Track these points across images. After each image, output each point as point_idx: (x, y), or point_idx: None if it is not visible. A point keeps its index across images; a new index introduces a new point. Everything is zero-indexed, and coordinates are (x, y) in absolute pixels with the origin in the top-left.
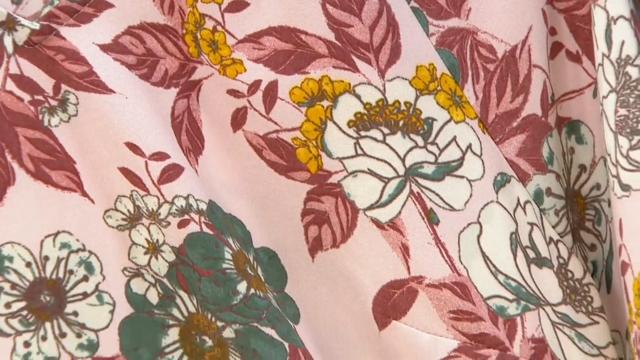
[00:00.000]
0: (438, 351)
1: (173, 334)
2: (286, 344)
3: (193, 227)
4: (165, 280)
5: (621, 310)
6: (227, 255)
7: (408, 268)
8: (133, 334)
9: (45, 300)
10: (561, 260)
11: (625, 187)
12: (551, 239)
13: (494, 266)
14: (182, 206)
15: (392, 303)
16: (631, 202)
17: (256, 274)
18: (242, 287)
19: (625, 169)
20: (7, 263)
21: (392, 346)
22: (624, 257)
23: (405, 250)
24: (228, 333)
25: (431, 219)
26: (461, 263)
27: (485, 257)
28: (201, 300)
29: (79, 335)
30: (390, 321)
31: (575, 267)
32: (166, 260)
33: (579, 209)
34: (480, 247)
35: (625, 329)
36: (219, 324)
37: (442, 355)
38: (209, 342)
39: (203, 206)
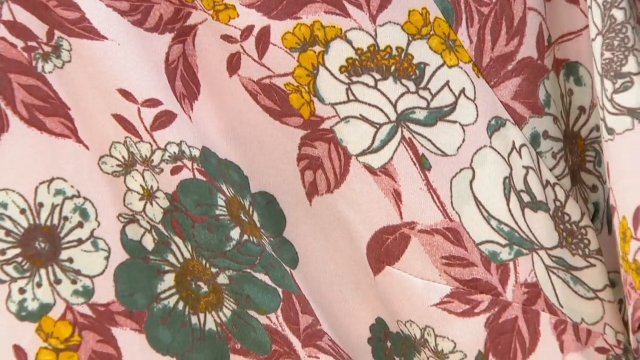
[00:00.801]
0: (431, 297)
1: (169, 279)
2: (280, 290)
3: (186, 174)
4: (160, 226)
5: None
6: (220, 202)
7: (400, 214)
8: (128, 279)
9: (40, 247)
10: (558, 204)
11: (610, 131)
12: (548, 182)
13: (487, 211)
14: (174, 153)
15: (385, 249)
16: (615, 146)
17: (251, 219)
18: (235, 233)
19: (610, 113)
20: (1, 210)
21: (386, 291)
22: (612, 200)
23: (397, 196)
24: (222, 279)
25: (423, 164)
26: (453, 209)
27: (477, 202)
28: (195, 246)
29: (74, 282)
30: (383, 267)
31: (573, 210)
32: (161, 207)
33: (579, 151)
34: (473, 193)
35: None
36: (213, 270)
37: (435, 301)
38: (205, 288)
39: (196, 153)
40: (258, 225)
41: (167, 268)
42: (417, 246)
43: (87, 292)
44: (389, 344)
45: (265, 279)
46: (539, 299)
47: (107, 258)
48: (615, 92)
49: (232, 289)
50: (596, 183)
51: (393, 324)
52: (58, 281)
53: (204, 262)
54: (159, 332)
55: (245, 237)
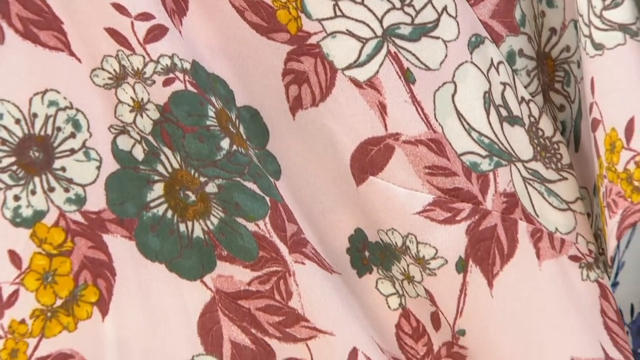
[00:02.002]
0: (414, 205)
1: (158, 189)
2: (267, 198)
3: (178, 86)
4: (150, 138)
5: (589, 168)
6: (211, 113)
7: (385, 125)
8: (119, 188)
9: (34, 155)
10: (532, 119)
11: (599, 46)
12: (523, 98)
13: (468, 124)
14: (167, 65)
15: (369, 159)
16: (604, 61)
17: (238, 131)
18: (225, 143)
19: (598, 29)
20: None
21: (369, 201)
22: (595, 114)
23: (382, 108)
24: (211, 188)
25: (408, 78)
26: (436, 120)
27: (459, 114)
28: (184, 156)
29: (67, 190)
30: (367, 177)
31: (546, 125)
32: (151, 118)
33: (549, 71)
34: (455, 106)
35: (592, 185)
36: (202, 179)
37: (418, 209)
38: (193, 197)
39: (187, 65)
40: (245, 137)
41: (156, 178)
42: (401, 156)
43: (80, 200)
44: (367, 253)
45: (254, 187)
46: (516, 208)
47: (98, 168)
48: (605, 8)
49: (221, 197)
50: (564, 103)
51: (373, 234)
52: (51, 189)
53: (192, 171)
54: (148, 239)
55: (235, 147)
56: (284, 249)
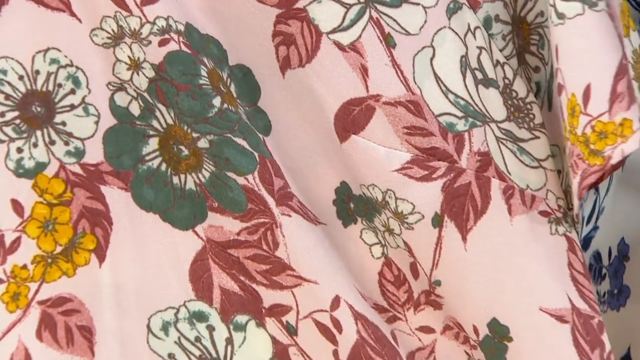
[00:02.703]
0: (392, 163)
1: (153, 143)
2: (256, 154)
3: (173, 46)
4: (145, 95)
5: (559, 127)
6: (203, 73)
7: (366, 87)
8: (116, 142)
9: (36, 110)
10: (506, 81)
11: (561, 16)
12: (498, 61)
13: (445, 86)
14: (162, 26)
15: (351, 119)
16: (565, 29)
17: (228, 90)
18: (216, 101)
19: None
20: (1, 76)
21: (351, 158)
22: (559, 79)
23: (364, 71)
24: (202, 143)
25: (389, 42)
26: (415, 83)
27: (437, 77)
28: (178, 113)
29: (66, 143)
30: (349, 135)
31: (519, 87)
32: (146, 76)
33: (524, 34)
34: (433, 69)
35: (562, 143)
36: (194, 135)
37: (396, 167)
38: (185, 151)
39: (181, 27)
40: (235, 95)
41: (151, 132)
42: (381, 117)
43: (79, 153)
44: (351, 205)
45: (244, 143)
46: (490, 166)
47: (96, 122)
48: None
49: (212, 152)
50: (539, 64)
51: (356, 187)
52: (52, 142)
53: (185, 127)
54: (143, 190)
55: (225, 105)
56: (271, 202)
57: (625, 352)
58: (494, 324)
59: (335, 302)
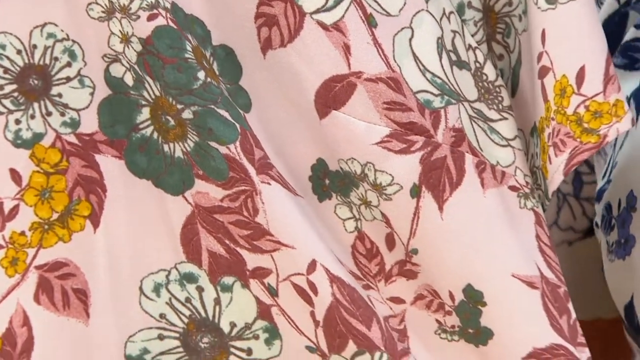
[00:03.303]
0: (372, 137)
1: (145, 112)
2: (237, 125)
3: (161, 21)
4: (136, 67)
5: (525, 112)
6: (189, 48)
7: (349, 64)
8: (110, 112)
9: (34, 83)
10: (477, 64)
11: (552, 1)
12: (470, 45)
13: (423, 65)
14: (151, 2)
15: (332, 95)
16: (556, 14)
17: (211, 68)
18: (201, 74)
19: None
20: (0, 51)
21: (331, 133)
22: (544, 62)
23: (346, 49)
24: (187, 114)
25: (370, 22)
26: (395, 61)
27: (415, 57)
28: (163, 85)
29: (62, 114)
30: (330, 111)
31: (489, 70)
32: (135, 50)
33: (492, 23)
34: (412, 49)
35: (529, 127)
36: (179, 106)
37: (376, 140)
38: (172, 122)
39: (168, 5)
40: (217, 72)
41: (143, 102)
42: (362, 93)
43: (74, 124)
44: (327, 181)
45: (226, 114)
46: (463, 142)
47: (91, 94)
48: None
49: (196, 122)
50: (503, 52)
51: (333, 163)
52: (49, 113)
53: (170, 99)
54: (136, 158)
55: (209, 79)
56: (252, 170)
57: (629, 300)
58: (468, 290)
59: (312, 266)
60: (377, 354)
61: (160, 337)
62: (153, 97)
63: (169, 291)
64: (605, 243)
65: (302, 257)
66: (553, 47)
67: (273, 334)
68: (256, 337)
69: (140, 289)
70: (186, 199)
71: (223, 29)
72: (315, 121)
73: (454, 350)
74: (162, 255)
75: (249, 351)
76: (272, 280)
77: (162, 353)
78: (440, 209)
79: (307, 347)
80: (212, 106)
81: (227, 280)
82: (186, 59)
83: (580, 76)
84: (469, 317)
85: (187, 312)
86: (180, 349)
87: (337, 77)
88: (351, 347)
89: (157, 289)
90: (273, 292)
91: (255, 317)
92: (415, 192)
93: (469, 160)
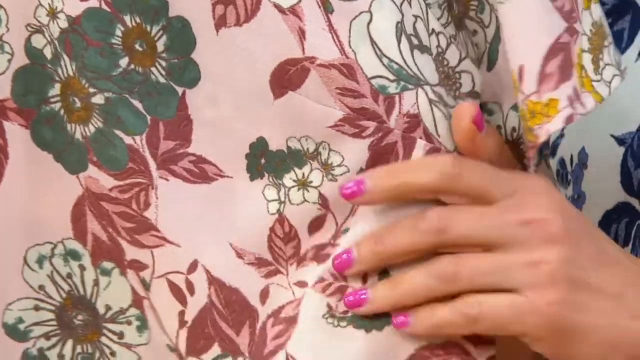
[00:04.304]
0: (327, 119)
1: (57, 87)
2: (148, 117)
3: (94, 2)
4: (56, 42)
5: (501, 87)
6: (118, 33)
7: (303, 49)
8: (25, 81)
9: None
10: (439, 49)
11: None
12: (433, 30)
13: (380, 50)
14: None
15: (288, 77)
16: (505, 9)
17: (150, 47)
18: (123, 62)
19: None
20: None
21: (286, 112)
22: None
23: (301, 34)
24: (98, 99)
25: (327, 8)
26: (350, 47)
27: (372, 42)
28: (80, 67)
29: None
30: (287, 92)
31: (452, 55)
32: (59, 26)
33: (464, 1)
34: (369, 33)
35: (508, 102)
36: (91, 90)
37: (330, 124)
38: (78, 104)
39: None
40: (161, 49)
41: (57, 78)
42: (315, 77)
43: None
44: (263, 160)
45: (139, 105)
46: (418, 128)
47: (9, 60)
48: None
49: (106, 109)
50: (477, 28)
51: (277, 142)
52: None
53: (83, 81)
54: (42, 130)
55: (132, 66)
56: (152, 165)
57: None
58: (384, 275)
59: (193, 266)
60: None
61: (36, 308)
62: (65, 76)
63: (52, 264)
64: None
65: (185, 255)
66: (506, 41)
67: (143, 324)
68: (129, 323)
69: (25, 258)
70: (79, 180)
71: (180, 2)
72: (266, 100)
73: (338, 336)
74: (51, 229)
75: (120, 334)
76: (146, 274)
77: (35, 324)
78: None
79: (168, 346)
80: (127, 95)
81: (107, 265)
82: (111, 44)
83: (520, 74)
84: None
85: (67, 288)
86: (54, 322)
87: (291, 60)
88: (215, 350)
89: (40, 260)
90: (146, 286)
91: (130, 304)
92: None
93: (420, 146)
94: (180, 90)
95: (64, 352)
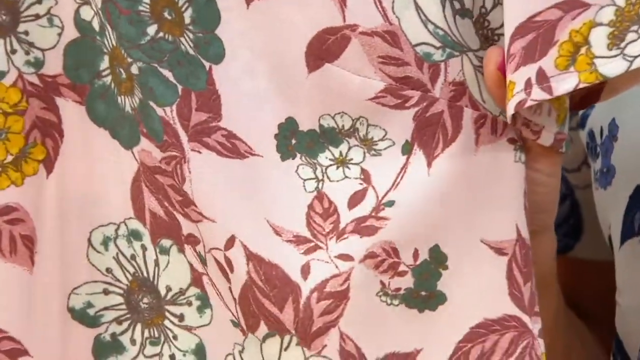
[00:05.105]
0: (366, 92)
1: (107, 60)
2: (180, 87)
3: None
4: (100, 13)
5: None
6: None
7: (344, 17)
8: (76, 55)
9: (2, 18)
10: (483, 10)
11: None
12: None
13: (425, 16)
14: None
15: (326, 47)
16: None
17: (178, 17)
18: (151, 29)
19: None
20: None
21: (321, 87)
22: None
23: (342, 1)
24: (134, 69)
25: None
26: (394, 13)
27: (417, 7)
28: (119, 36)
29: (27, 53)
30: (323, 63)
31: (495, 17)
32: None
33: None
34: None
35: None
36: (129, 59)
37: (370, 96)
38: (124, 74)
39: None
40: (188, 21)
41: (105, 50)
42: (356, 46)
43: (38, 64)
44: (293, 141)
45: (169, 75)
46: (464, 96)
47: (59, 34)
48: None
49: (140, 80)
50: None
51: (309, 121)
52: (13, 51)
53: (122, 51)
54: (97, 105)
55: (161, 34)
56: (183, 137)
57: (609, 233)
58: (434, 250)
59: (230, 242)
60: (287, 337)
61: (105, 292)
62: (110, 46)
63: (116, 246)
64: (592, 170)
65: (221, 231)
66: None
67: (204, 302)
68: (189, 304)
69: (89, 240)
70: (134, 155)
71: None
72: (299, 75)
73: (391, 314)
74: (112, 209)
75: (181, 317)
76: (201, 249)
77: (105, 308)
78: (429, 164)
79: (231, 321)
80: (155, 65)
81: (165, 242)
82: (139, 12)
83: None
84: (427, 278)
85: (132, 270)
86: (124, 306)
87: (331, 29)
88: (262, 329)
89: (105, 242)
90: (203, 261)
91: (190, 283)
92: (407, 150)
93: (468, 115)
94: (207, 64)
95: (135, 336)
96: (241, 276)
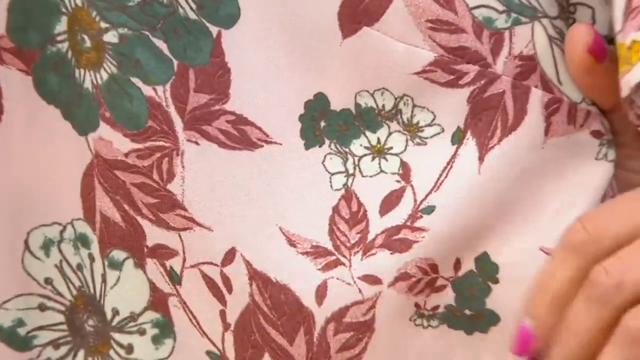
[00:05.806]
0: (412, 64)
1: (64, 22)
2: (175, 62)
3: None
4: None
5: None
6: None
7: None
8: (25, 12)
9: None
10: None
11: None
12: None
13: None
14: None
15: (363, 7)
16: None
17: None
18: None
19: None
20: None
21: (358, 55)
22: None
23: None
24: (111, 37)
25: None
26: None
27: None
28: None
29: None
30: (360, 27)
31: None
32: None
33: None
34: None
35: None
36: (103, 25)
37: (417, 69)
38: (88, 43)
39: None
40: None
41: (63, 9)
42: (400, 6)
43: None
44: (322, 123)
45: (163, 46)
46: (533, 74)
47: None
48: None
49: (120, 50)
50: None
51: (344, 99)
52: None
53: (94, 14)
54: (48, 77)
55: None
56: (178, 123)
57: None
58: (483, 260)
59: (229, 256)
60: None
61: (42, 308)
62: (72, 6)
63: (60, 252)
64: None
65: (219, 242)
66: None
67: (164, 330)
68: (141, 332)
69: (26, 242)
70: (88, 143)
71: None
72: (332, 41)
73: (429, 339)
74: (59, 206)
75: (129, 348)
76: (176, 263)
77: (40, 327)
78: (481, 159)
79: (209, 353)
80: (147, 32)
81: (117, 254)
82: None
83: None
84: (472, 294)
85: (77, 283)
86: (64, 327)
87: None
88: None
89: (47, 246)
90: (175, 279)
91: (146, 306)
92: (458, 139)
93: (536, 98)
94: (214, 30)
95: None
96: (242, 299)
